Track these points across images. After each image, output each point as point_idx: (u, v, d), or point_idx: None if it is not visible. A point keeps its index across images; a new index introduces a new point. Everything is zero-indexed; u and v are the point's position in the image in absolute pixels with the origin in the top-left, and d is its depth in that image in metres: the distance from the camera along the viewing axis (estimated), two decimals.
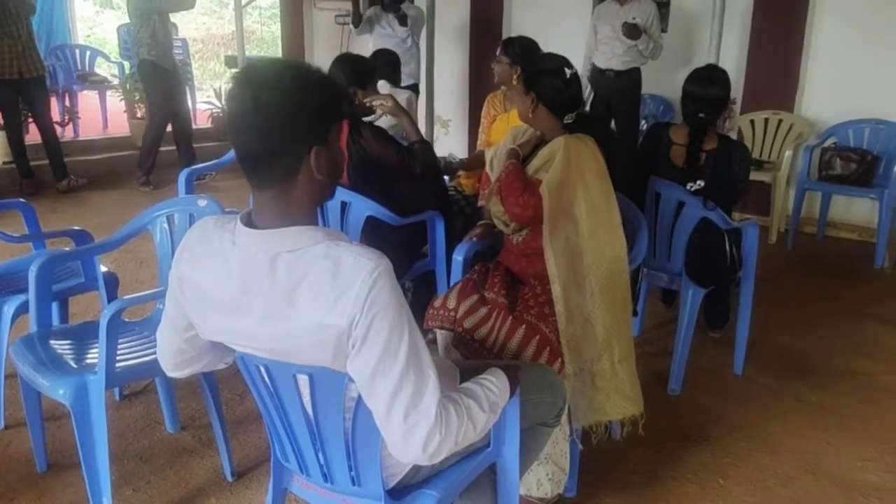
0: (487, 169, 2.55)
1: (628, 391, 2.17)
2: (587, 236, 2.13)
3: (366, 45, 5.90)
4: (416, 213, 2.95)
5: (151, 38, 5.78)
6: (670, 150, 2.99)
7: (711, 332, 3.40)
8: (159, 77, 5.91)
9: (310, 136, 1.27)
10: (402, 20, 5.64)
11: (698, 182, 2.83)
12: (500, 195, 2.26)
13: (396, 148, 2.87)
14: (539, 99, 2.24)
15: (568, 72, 2.23)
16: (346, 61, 3.07)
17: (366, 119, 2.99)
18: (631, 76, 5.18)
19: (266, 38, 13.48)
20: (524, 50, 3.39)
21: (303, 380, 1.38)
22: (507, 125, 3.43)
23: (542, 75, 2.25)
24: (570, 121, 2.26)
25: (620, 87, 5.19)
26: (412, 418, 1.26)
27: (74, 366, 2.14)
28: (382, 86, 4.01)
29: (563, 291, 2.10)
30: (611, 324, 2.13)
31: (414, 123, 3.10)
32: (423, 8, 5.84)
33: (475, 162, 3.67)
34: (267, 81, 1.23)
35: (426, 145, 3.01)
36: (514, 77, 3.38)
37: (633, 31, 4.88)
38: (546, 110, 2.26)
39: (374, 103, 3.13)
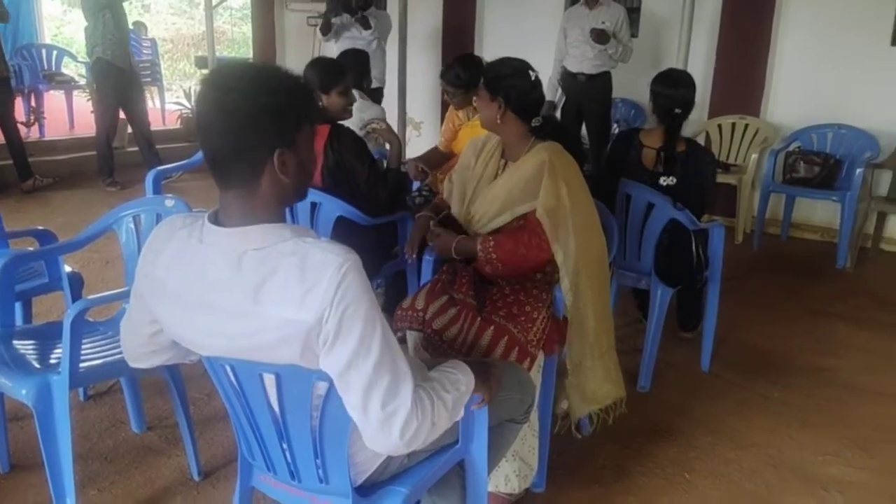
0: (445, 194, 2.55)
1: (614, 377, 2.28)
2: (582, 243, 2.16)
3: (332, 49, 5.92)
4: (386, 215, 2.96)
5: (103, 37, 5.69)
6: (641, 153, 3.03)
7: (683, 333, 3.44)
8: (114, 77, 5.80)
9: (272, 138, 1.27)
10: (364, 23, 5.63)
11: (671, 178, 2.87)
12: (510, 263, 2.22)
13: (370, 168, 2.87)
14: (507, 104, 2.20)
15: (532, 73, 2.21)
16: (315, 65, 3.06)
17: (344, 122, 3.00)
18: (602, 79, 5.22)
19: (237, 39, 13.41)
20: (465, 66, 3.42)
21: (269, 379, 1.38)
22: (471, 132, 3.46)
23: (507, 79, 2.20)
24: (537, 124, 2.23)
25: (591, 90, 5.22)
26: (390, 407, 1.28)
27: (38, 366, 2.11)
28: (361, 104, 3.97)
29: (574, 300, 2.15)
30: (600, 318, 2.21)
31: (400, 151, 3.13)
32: (392, 14, 5.85)
33: (432, 158, 3.70)
34: (230, 84, 1.24)
35: (399, 177, 3.04)
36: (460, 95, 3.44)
37: (601, 36, 4.92)
38: (514, 115, 2.22)
39: (370, 126, 3.16)
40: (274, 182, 1.30)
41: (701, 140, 5.15)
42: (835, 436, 2.68)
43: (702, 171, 2.98)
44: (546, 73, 5.24)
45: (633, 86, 5.73)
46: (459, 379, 1.50)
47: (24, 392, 1.98)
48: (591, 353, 2.21)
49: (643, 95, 5.57)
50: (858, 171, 4.54)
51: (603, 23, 4.99)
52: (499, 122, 2.23)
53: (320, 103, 2.91)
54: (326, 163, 2.82)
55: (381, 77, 5.85)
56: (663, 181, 2.90)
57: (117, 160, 6.14)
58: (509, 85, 2.19)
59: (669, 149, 2.94)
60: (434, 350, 2.18)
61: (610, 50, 5.04)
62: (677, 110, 2.94)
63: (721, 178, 4.92)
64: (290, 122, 1.29)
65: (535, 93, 2.23)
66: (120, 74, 5.82)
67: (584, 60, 5.17)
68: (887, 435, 2.70)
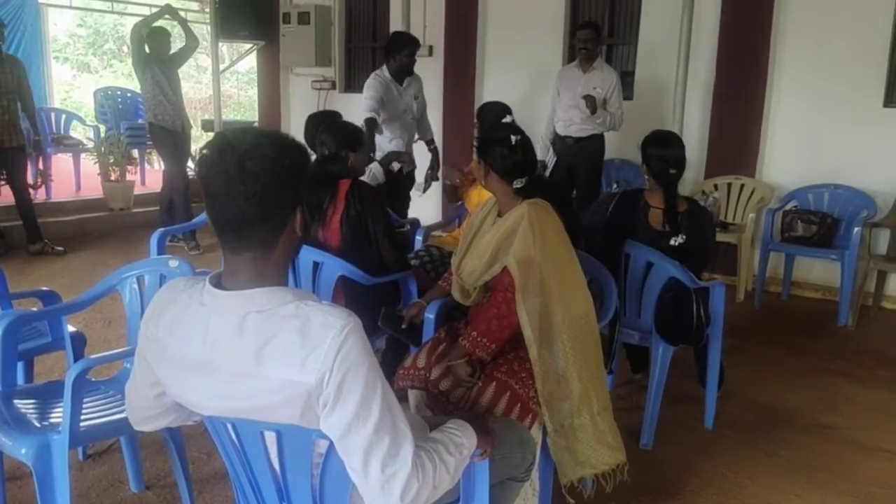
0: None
1: (611, 440, 2.20)
2: (556, 298, 2.16)
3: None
4: (389, 273, 2.99)
5: (153, 98, 5.77)
6: (648, 213, 3.07)
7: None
8: (167, 140, 5.86)
9: (294, 198, 1.32)
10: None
11: (680, 236, 2.93)
12: (492, 332, 2.20)
13: (383, 228, 2.97)
14: (489, 166, 2.32)
15: (514, 139, 2.29)
16: (337, 127, 3.19)
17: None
18: (591, 143, 5.14)
19: (243, 103, 13.69)
20: (489, 116, 3.66)
21: (270, 437, 1.38)
22: (479, 193, 3.55)
23: (490, 144, 2.33)
24: (519, 185, 2.30)
25: (581, 153, 5.14)
26: (390, 469, 1.28)
27: (38, 425, 2.10)
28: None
29: (539, 353, 2.13)
30: (586, 378, 2.16)
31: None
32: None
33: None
34: (248, 149, 1.26)
35: (403, 238, 3.13)
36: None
37: (591, 103, 4.83)
38: (496, 176, 2.32)
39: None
40: (289, 241, 1.34)
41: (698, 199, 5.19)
42: (841, 493, 2.65)
43: (703, 229, 3.03)
44: (540, 131, 5.28)
45: (630, 147, 5.82)
46: (463, 443, 1.50)
47: (23, 451, 1.97)
48: (579, 413, 2.15)
49: (640, 157, 5.69)
50: (856, 229, 4.58)
51: (594, 88, 4.96)
52: (484, 182, 2.37)
53: (349, 162, 3.07)
54: (347, 212, 2.91)
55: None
56: (674, 241, 2.93)
57: (123, 221, 6.18)
58: (491, 148, 2.31)
59: (671, 209, 3.00)
60: (437, 408, 2.18)
61: (598, 120, 4.99)
62: (672, 170, 3.00)
63: (721, 237, 4.97)
64: (302, 181, 1.34)
65: (514, 157, 2.29)
66: (172, 137, 5.86)
67: (571, 125, 5.12)
68: (893, 493, 2.67)
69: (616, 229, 3.10)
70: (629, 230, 3.06)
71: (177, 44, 6.41)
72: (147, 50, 5.77)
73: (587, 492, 2.31)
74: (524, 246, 2.17)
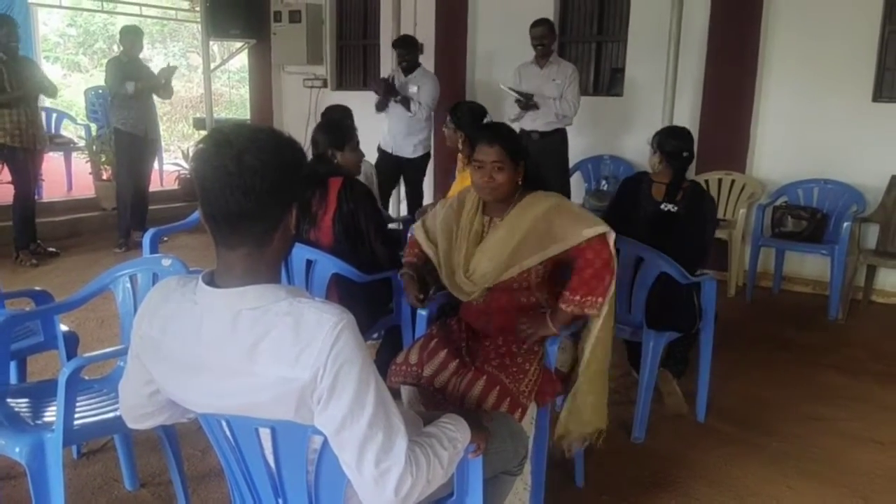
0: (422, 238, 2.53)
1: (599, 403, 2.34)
2: None
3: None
4: (383, 270, 3.00)
5: (121, 106, 5.79)
6: (651, 186, 3.15)
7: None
8: (126, 144, 5.89)
9: (292, 193, 1.32)
10: (406, 104, 5.51)
11: (672, 205, 3.05)
12: (592, 288, 2.22)
13: (376, 227, 2.97)
14: (525, 168, 2.30)
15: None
16: (324, 126, 3.20)
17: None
18: (555, 137, 5.21)
19: (235, 101, 13.66)
20: (466, 115, 3.59)
21: (265, 434, 1.39)
22: (461, 182, 3.55)
23: (522, 145, 2.33)
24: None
25: (546, 148, 5.14)
26: (384, 464, 1.28)
27: (31, 424, 2.10)
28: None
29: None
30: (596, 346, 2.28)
31: None
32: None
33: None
34: (246, 143, 1.25)
35: (397, 234, 3.12)
36: (459, 141, 3.55)
37: (526, 102, 5.00)
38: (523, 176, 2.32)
39: None
40: (284, 236, 1.34)
41: None
42: (833, 485, 2.67)
43: (700, 206, 3.10)
44: None
45: (620, 143, 5.86)
46: (457, 437, 1.51)
47: (17, 450, 1.97)
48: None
49: (630, 152, 5.72)
50: (846, 224, 4.62)
51: (554, 80, 5.06)
52: (520, 183, 2.32)
53: (336, 160, 3.05)
54: (340, 210, 2.91)
55: (428, 143, 5.82)
56: (664, 207, 3.05)
57: (115, 221, 6.19)
58: (525, 151, 2.33)
59: (675, 183, 3.10)
60: (429, 404, 2.19)
61: (555, 111, 5.09)
62: (685, 153, 3.12)
63: None
64: (300, 176, 1.34)
65: None
66: (133, 141, 5.87)
67: (537, 119, 5.17)
68: (885, 484, 2.69)
69: (615, 215, 3.14)
70: (630, 206, 3.14)
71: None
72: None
73: (579, 483, 2.33)
74: (591, 219, 2.24)
